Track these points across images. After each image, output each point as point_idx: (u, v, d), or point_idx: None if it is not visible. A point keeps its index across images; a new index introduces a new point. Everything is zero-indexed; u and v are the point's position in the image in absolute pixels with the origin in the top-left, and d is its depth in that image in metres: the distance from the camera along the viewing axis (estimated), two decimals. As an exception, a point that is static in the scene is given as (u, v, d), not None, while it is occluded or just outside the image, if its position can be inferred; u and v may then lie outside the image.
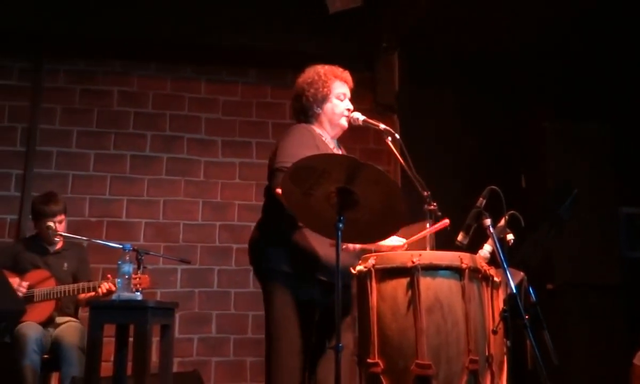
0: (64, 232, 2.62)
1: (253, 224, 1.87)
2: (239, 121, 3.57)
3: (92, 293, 2.54)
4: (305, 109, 1.84)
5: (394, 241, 1.79)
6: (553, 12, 3.02)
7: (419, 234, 1.74)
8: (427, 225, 1.73)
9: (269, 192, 1.76)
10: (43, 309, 2.50)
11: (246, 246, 1.85)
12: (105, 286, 2.45)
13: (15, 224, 3.23)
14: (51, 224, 2.56)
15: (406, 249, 1.78)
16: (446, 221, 1.70)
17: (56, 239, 2.61)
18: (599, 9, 2.93)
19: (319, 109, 1.83)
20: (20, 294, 2.47)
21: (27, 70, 3.38)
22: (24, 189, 3.27)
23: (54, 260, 2.63)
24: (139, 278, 2.33)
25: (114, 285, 2.44)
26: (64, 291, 2.50)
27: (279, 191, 1.60)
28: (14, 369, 2.36)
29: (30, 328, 2.40)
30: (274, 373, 1.64)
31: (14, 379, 2.35)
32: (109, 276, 2.49)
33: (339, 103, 1.85)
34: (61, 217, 2.60)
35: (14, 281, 2.49)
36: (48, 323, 2.51)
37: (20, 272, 2.56)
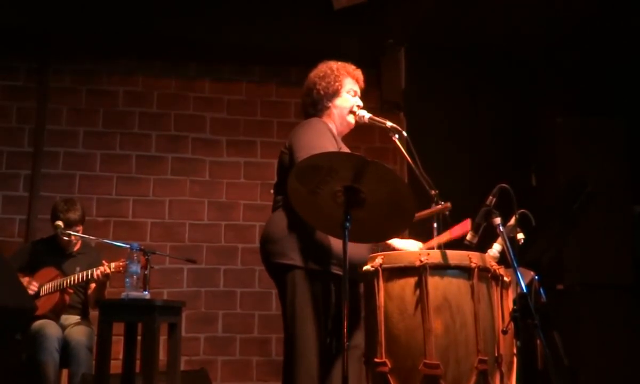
0: (77, 234, 2.64)
1: (258, 224, 1.86)
2: (244, 120, 3.56)
3: (93, 285, 2.58)
4: (315, 102, 1.83)
5: (410, 246, 1.75)
6: (564, 7, 2.96)
7: (438, 238, 1.70)
8: (434, 225, 1.70)
9: (281, 187, 1.73)
10: (49, 301, 2.55)
11: (251, 245, 1.83)
12: (98, 270, 2.46)
13: (24, 224, 3.26)
14: (59, 223, 2.59)
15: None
16: (467, 226, 1.63)
17: (65, 237, 2.64)
18: (611, 3, 2.87)
19: (328, 102, 1.82)
20: (30, 292, 2.50)
21: (33, 71, 3.41)
22: (32, 189, 3.30)
23: (67, 262, 2.68)
24: (140, 263, 2.34)
25: (109, 268, 2.46)
26: (66, 282, 2.53)
27: None
28: (27, 365, 2.39)
29: (51, 327, 2.45)
30: (295, 370, 1.61)
31: (26, 374, 2.38)
32: (104, 261, 2.51)
33: (349, 98, 1.84)
34: (78, 227, 2.64)
35: (24, 280, 2.52)
36: (55, 314, 2.55)
37: (33, 272, 2.60)
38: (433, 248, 1.69)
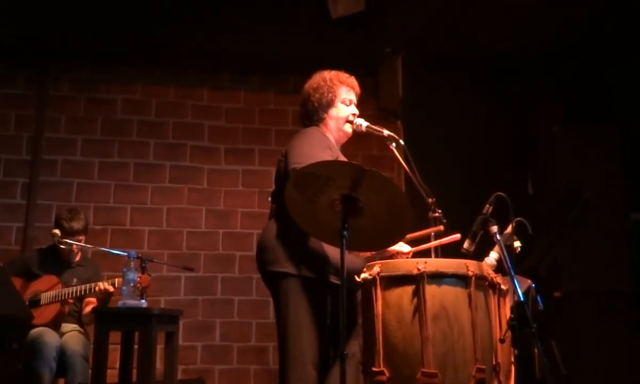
0: (74, 242, 2.62)
1: (256, 232, 1.86)
2: (242, 128, 3.57)
3: (94, 303, 2.56)
4: (311, 113, 1.84)
5: (400, 247, 1.76)
6: (561, 16, 3.00)
7: (427, 245, 1.71)
8: (432, 234, 1.71)
9: (278, 196, 1.74)
10: (49, 311, 2.53)
11: (249, 253, 1.83)
12: (101, 285, 2.45)
13: (21, 232, 3.25)
14: (56, 231, 2.58)
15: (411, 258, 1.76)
16: (457, 236, 1.67)
17: (62, 246, 2.62)
18: (607, 12, 2.91)
19: (324, 113, 1.83)
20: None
21: (32, 79, 3.42)
22: (29, 197, 3.30)
23: (65, 273, 2.65)
24: (140, 278, 2.33)
25: (111, 286, 2.44)
26: (68, 293, 2.51)
27: None
28: (23, 374, 2.37)
29: (49, 335, 2.43)
30: (290, 379, 1.61)
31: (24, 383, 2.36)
32: (107, 283, 2.49)
33: (344, 108, 1.86)
34: (80, 237, 2.62)
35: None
36: (55, 325, 2.53)
37: (31, 280, 2.59)
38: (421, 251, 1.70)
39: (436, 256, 1.70)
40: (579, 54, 3.26)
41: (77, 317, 2.67)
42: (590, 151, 3.11)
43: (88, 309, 2.61)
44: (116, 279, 2.44)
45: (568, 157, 3.10)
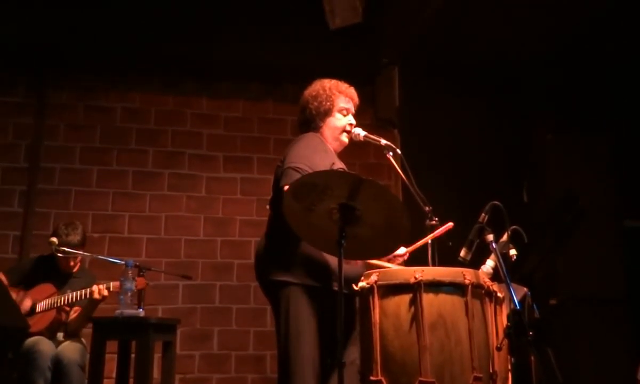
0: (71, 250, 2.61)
1: (254, 240, 1.87)
2: (241, 137, 3.59)
3: (79, 310, 2.55)
4: (309, 121, 1.87)
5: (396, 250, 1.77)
6: (554, 26, 3.05)
7: (422, 240, 1.73)
8: (429, 242, 1.72)
9: (275, 202, 1.75)
10: (44, 319, 2.52)
11: (247, 261, 1.84)
12: (96, 289, 2.44)
13: (18, 240, 3.24)
14: (54, 239, 2.58)
15: (407, 259, 1.78)
16: (450, 224, 1.69)
17: (59, 254, 2.62)
18: (601, 21, 2.96)
19: (321, 122, 1.86)
20: (23, 309, 2.48)
21: (31, 87, 3.43)
22: (27, 205, 3.29)
23: (61, 283, 2.64)
24: (136, 281, 2.32)
25: (106, 290, 2.44)
26: (63, 300, 2.50)
27: (286, 187, 1.59)
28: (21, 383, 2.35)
29: (44, 344, 2.41)
30: None
31: None
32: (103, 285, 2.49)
33: (341, 118, 1.88)
34: (78, 250, 2.60)
35: (18, 295, 2.50)
36: (50, 333, 2.51)
37: (28, 288, 2.59)
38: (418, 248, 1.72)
39: (433, 265, 1.72)
40: (571, 65, 3.32)
41: (77, 334, 2.65)
42: (584, 158, 3.15)
43: (74, 316, 2.59)
44: (111, 283, 2.43)
45: (562, 165, 3.14)
